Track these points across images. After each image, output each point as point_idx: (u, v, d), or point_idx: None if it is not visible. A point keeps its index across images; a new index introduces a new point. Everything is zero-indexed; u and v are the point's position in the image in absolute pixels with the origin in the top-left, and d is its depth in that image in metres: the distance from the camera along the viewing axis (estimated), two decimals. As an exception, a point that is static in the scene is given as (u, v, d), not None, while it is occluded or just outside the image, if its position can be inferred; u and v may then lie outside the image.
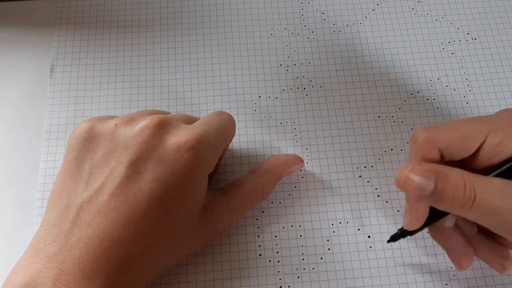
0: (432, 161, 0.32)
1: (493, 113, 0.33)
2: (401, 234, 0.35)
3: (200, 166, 0.33)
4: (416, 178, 0.31)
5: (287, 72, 0.44)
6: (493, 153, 0.31)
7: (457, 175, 0.31)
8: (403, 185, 0.31)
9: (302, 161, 0.39)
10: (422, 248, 0.38)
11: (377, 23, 0.47)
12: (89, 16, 0.46)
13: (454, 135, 0.31)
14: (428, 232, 0.37)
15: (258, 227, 0.38)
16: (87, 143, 0.33)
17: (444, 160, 0.32)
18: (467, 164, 0.32)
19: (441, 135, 0.32)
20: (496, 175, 0.31)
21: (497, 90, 0.43)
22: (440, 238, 0.35)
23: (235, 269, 0.37)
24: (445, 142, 0.31)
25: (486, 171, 0.31)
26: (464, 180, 0.30)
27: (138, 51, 0.45)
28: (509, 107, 0.43)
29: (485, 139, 0.31)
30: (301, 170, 0.40)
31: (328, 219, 0.39)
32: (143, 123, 0.33)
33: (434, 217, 0.33)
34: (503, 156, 0.31)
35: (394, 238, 0.36)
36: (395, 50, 0.45)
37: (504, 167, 0.31)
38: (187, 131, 0.33)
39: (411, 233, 0.35)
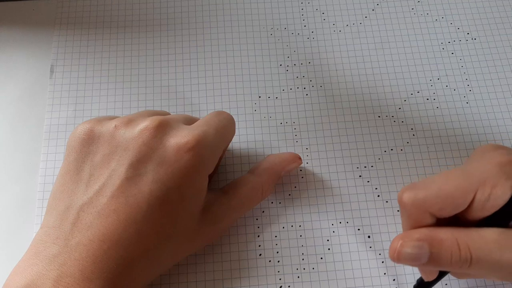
0: (426, 225, 0.31)
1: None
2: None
3: (200, 167, 0.33)
4: (409, 250, 0.30)
5: (287, 72, 0.44)
6: (484, 207, 0.30)
7: (449, 237, 0.30)
8: (397, 260, 0.31)
9: (300, 158, 0.39)
10: (422, 248, 0.38)
11: (377, 23, 0.47)
12: (89, 16, 0.46)
13: (443, 196, 0.30)
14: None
15: (258, 227, 0.38)
16: (87, 144, 0.33)
17: (436, 219, 0.31)
18: (460, 217, 0.31)
19: (430, 200, 0.30)
20: (490, 225, 0.30)
21: (497, 90, 0.43)
22: (462, 276, 0.35)
23: (235, 269, 0.37)
24: (435, 206, 0.30)
25: (479, 222, 0.31)
26: (457, 240, 0.30)
27: (138, 51, 0.45)
28: (509, 107, 0.43)
29: (474, 195, 0.30)
30: (301, 170, 0.40)
31: (328, 219, 0.39)
32: (143, 125, 0.33)
33: None
34: (495, 207, 0.30)
35: None
36: (395, 50, 0.45)
37: (497, 217, 0.30)
38: (187, 132, 0.33)
39: (429, 285, 0.34)
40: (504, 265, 0.29)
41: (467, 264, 0.30)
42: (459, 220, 0.32)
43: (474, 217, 0.31)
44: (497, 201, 0.30)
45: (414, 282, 0.36)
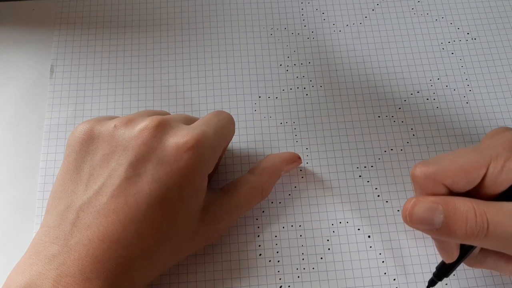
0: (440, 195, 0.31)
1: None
2: (437, 278, 0.34)
3: (199, 167, 0.33)
4: (422, 212, 0.30)
5: (287, 72, 0.44)
6: (498, 180, 0.30)
7: (465, 203, 0.29)
8: (410, 221, 0.30)
9: (300, 158, 0.39)
10: (422, 248, 0.38)
11: (377, 23, 0.47)
12: (89, 16, 0.46)
13: (456, 170, 0.30)
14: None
15: (258, 227, 0.38)
16: (87, 144, 0.33)
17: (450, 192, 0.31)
18: (474, 194, 0.31)
19: (443, 172, 0.30)
20: (506, 200, 0.30)
21: (497, 90, 0.43)
22: (476, 264, 0.34)
23: (235, 269, 0.37)
24: (447, 178, 0.30)
25: (493, 198, 0.30)
26: (474, 207, 0.29)
27: (138, 51, 0.45)
28: (509, 107, 0.43)
29: (487, 169, 0.30)
30: (301, 170, 0.40)
31: (328, 219, 0.39)
32: (142, 124, 0.33)
33: (466, 248, 0.32)
34: (508, 180, 0.30)
35: (432, 283, 0.34)
36: (395, 50, 0.45)
37: (511, 191, 0.30)
38: (186, 132, 0.33)
39: (446, 274, 0.33)
40: None
41: (483, 233, 0.29)
42: (474, 197, 0.31)
43: (488, 192, 0.30)
44: (510, 175, 0.29)
45: (414, 282, 0.36)
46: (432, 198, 0.30)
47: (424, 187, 0.31)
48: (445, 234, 0.30)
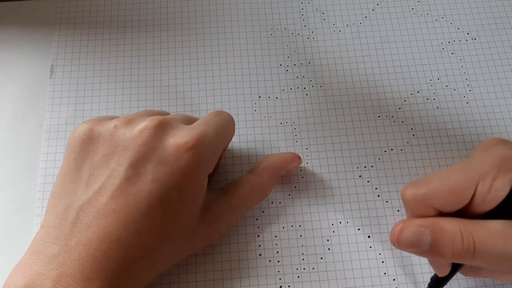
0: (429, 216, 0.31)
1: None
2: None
3: (200, 167, 0.33)
4: (410, 236, 0.30)
5: (287, 72, 0.44)
6: (486, 199, 0.30)
7: (452, 225, 0.30)
8: (397, 244, 0.31)
9: (300, 158, 0.39)
10: (422, 248, 0.38)
11: (377, 23, 0.47)
12: (89, 16, 0.46)
13: (445, 192, 0.30)
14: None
15: (258, 227, 0.38)
16: (87, 144, 0.33)
17: (439, 213, 0.31)
18: (464, 212, 0.31)
19: (432, 195, 0.30)
20: (495, 218, 0.30)
21: (497, 90, 0.43)
22: (472, 274, 0.35)
23: (235, 269, 0.37)
24: (437, 201, 0.30)
25: (483, 216, 0.31)
26: (460, 228, 0.30)
27: (138, 51, 0.45)
28: (509, 107, 0.43)
29: (476, 188, 0.30)
30: (301, 170, 0.40)
31: (328, 219, 0.39)
32: (142, 125, 0.33)
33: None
34: (496, 199, 0.30)
35: None
36: (395, 50, 0.45)
37: (500, 209, 0.30)
38: (186, 132, 0.33)
39: (440, 286, 0.34)
40: (509, 256, 0.29)
41: (470, 254, 0.29)
42: (464, 215, 0.31)
43: (477, 211, 0.31)
44: (498, 193, 0.30)
45: (414, 283, 0.36)
46: (419, 222, 0.31)
47: (414, 209, 0.31)
48: (434, 255, 0.31)
